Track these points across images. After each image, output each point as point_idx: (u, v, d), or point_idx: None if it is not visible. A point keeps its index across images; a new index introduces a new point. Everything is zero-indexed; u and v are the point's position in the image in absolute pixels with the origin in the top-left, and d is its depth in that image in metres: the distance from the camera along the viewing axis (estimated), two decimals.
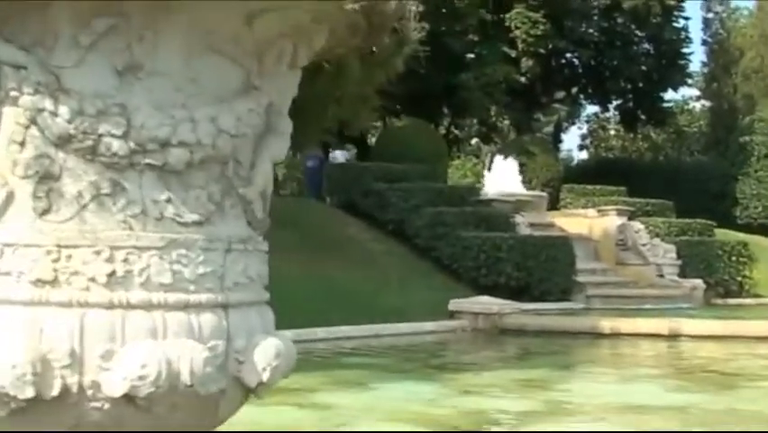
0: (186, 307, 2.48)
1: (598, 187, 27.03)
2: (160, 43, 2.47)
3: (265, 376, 2.64)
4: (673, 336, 15.03)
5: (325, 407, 8.47)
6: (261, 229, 2.83)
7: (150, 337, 2.41)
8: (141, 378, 2.35)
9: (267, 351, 2.65)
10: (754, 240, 26.84)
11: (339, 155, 26.16)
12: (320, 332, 14.03)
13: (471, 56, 29.96)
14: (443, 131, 34.50)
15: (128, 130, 2.42)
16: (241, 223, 2.73)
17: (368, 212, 21.21)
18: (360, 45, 2.98)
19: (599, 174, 30.64)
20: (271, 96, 2.68)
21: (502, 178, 23.75)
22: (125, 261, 2.43)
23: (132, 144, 2.42)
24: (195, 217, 2.54)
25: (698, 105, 48.62)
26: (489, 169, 25.77)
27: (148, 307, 2.43)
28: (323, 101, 11.66)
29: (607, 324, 15.45)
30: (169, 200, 2.50)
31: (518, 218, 20.86)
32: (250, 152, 2.68)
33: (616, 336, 15.14)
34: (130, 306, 2.41)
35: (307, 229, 19.66)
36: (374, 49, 11.71)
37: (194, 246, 2.52)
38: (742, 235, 26.88)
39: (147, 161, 2.45)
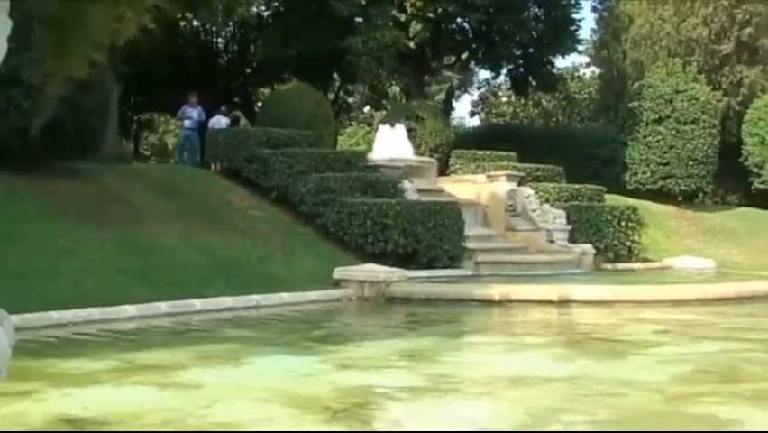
0: None
1: (487, 152, 26.60)
2: None
3: None
4: (563, 303, 14.89)
5: (190, 386, 7.82)
6: None
7: None
8: None
9: None
10: (643, 205, 26.96)
11: (220, 120, 25.28)
12: (198, 303, 13.52)
13: (360, 20, 29.34)
14: (332, 96, 33.91)
15: None
16: None
17: (251, 178, 20.57)
18: None
19: (490, 140, 30.25)
20: None
21: (390, 143, 23.23)
22: None
23: None
24: None
25: (588, 72, 48.93)
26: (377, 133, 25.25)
27: None
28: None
29: (496, 291, 15.18)
30: None
31: (406, 184, 20.33)
32: None
33: (505, 303, 14.90)
34: None
35: (188, 196, 18.98)
36: None
37: None
38: (631, 201, 26.94)
39: None
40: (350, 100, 43.62)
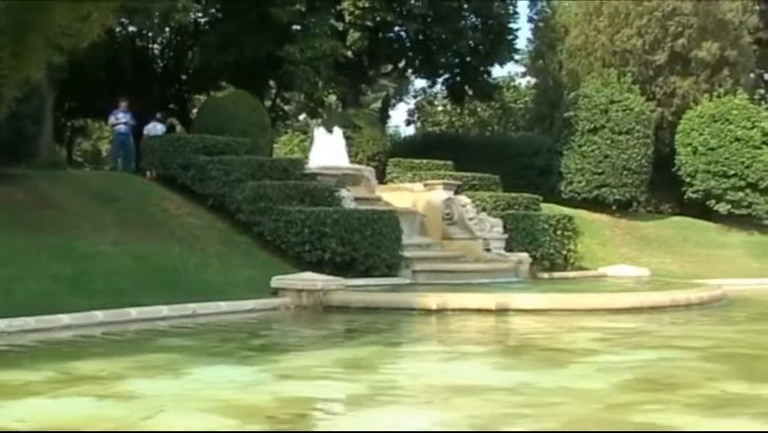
0: None
1: (424, 161, 26.63)
2: None
3: None
4: (501, 311, 14.96)
5: (129, 397, 7.71)
6: None
7: None
8: None
9: None
10: (579, 214, 27.18)
11: (156, 127, 25.00)
12: (133, 312, 13.41)
13: (298, 28, 29.25)
14: (268, 104, 33.76)
15: None
16: None
17: (187, 186, 20.34)
18: None
19: (426, 149, 30.31)
20: None
21: (327, 151, 23.14)
22: None
23: None
24: None
25: (524, 82, 49.24)
26: (312, 142, 25.13)
27: None
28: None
29: (434, 299, 15.23)
30: None
31: (343, 192, 20.30)
32: None
33: (443, 311, 14.96)
34: None
35: (123, 203, 18.78)
36: None
37: None
38: (567, 210, 27.15)
39: None
40: (286, 108, 43.43)
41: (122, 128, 24.52)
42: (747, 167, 30.42)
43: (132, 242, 16.66)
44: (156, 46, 35.82)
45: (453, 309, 15.01)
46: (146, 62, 34.39)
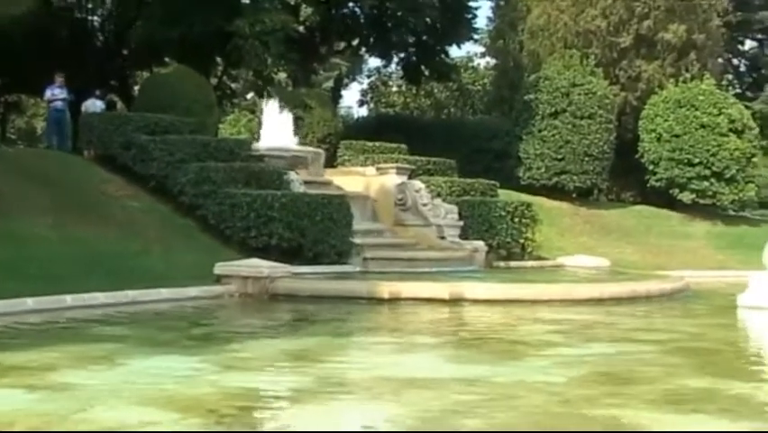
0: None
1: (377, 144, 26.75)
2: None
3: None
4: (455, 301, 15.09)
5: (62, 389, 7.60)
6: None
7: None
8: None
9: None
10: (537, 201, 27.28)
11: (95, 104, 24.76)
12: (69, 299, 13.27)
13: (247, 1, 29.08)
14: (215, 82, 33.52)
15: None
16: None
17: (128, 166, 20.18)
18: None
19: (379, 131, 30.34)
20: None
21: (275, 132, 23.03)
22: None
23: None
24: None
25: (482, 63, 49.43)
26: (261, 122, 25.02)
27: None
28: None
29: (385, 288, 15.31)
30: None
31: (292, 175, 20.24)
32: None
33: (395, 300, 15.03)
34: None
35: (60, 184, 18.61)
36: None
37: None
38: (525, 196, 27.20)
39: None
40: (233, 86, 43.20)
41: (58, 104, 24.25)
42: (713, 155, 30.72)
43: (70, 225, 16.50)
44: (96, 18, 35.48)
45: (406, 299, 15.07)
46: (85, 35, 34.03)
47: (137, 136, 20.35)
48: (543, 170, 30.25)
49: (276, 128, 23.11)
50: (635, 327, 13.66)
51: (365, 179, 23.17)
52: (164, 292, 14.60)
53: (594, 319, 13.97)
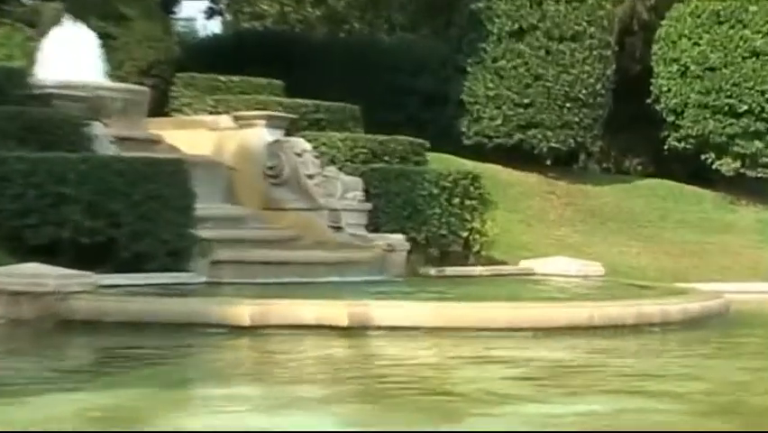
0: None
1: (236, 78, 26.39)
2: None
3: None
4: (357, 329, 15.21)
5: None
6: None
7: None
8: None
9: None
10: (490, 171, 27.23)
11: None
12: None
13: None
14: None
15: None
16: None
17: None
18: None
19: (241, 58, 30.21)
20: None
21: (69, 58, 22.91)
22: None
23: None
24: None
25: None
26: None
27: None
28: None
29: (246, 310, 15.25)
30: None
31: (96, 128, 20.10)
32: None
33: (261, 328, 15.17)
34: None
35: None
36: None
37: None
38: (470, 164, 27.24)
39: None
40: None
41: None
42: None
43: None
44: None
45: (279, 326, 15.09)
46: None
47: None
48: (499, 121, 30.34)
49: (70, 52, 22.95)
50: (644, 370, 13.64)
51: (217, 136, 23.02)
52: None
53: (578, 359, 14.03)
